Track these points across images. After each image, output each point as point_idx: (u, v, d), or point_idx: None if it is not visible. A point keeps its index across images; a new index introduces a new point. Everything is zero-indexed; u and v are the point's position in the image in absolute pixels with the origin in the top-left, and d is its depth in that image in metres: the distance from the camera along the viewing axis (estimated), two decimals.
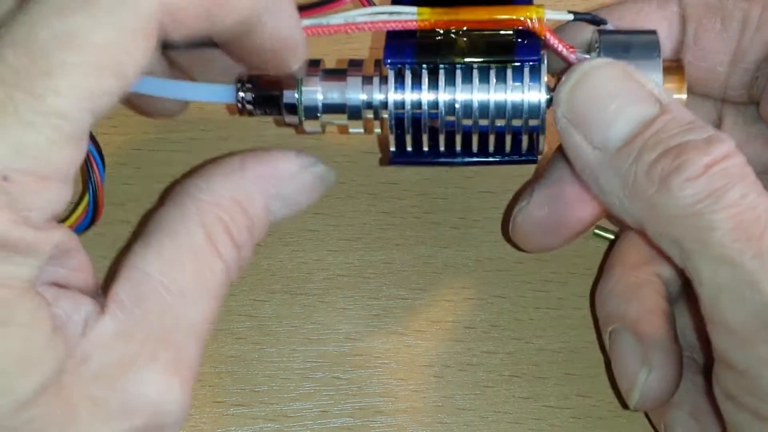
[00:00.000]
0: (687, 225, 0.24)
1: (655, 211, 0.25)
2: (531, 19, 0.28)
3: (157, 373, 0.24)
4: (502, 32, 0.29)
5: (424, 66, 0.28)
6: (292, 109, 0.29)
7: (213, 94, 0.30)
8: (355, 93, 0.29)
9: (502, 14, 0.28)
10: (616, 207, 0.26)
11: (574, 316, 0.34)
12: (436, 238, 0.36)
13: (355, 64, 0.30)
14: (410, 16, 0.28)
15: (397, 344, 0.34)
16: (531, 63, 0.28)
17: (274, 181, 0.28)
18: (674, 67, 0.29)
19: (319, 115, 0.30)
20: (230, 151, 0.37)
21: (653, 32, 0.29)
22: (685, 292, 0.31)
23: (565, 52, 0.28)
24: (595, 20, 0.29)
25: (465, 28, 0.29)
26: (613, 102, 0.26)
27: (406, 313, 0.35)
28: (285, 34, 0.26)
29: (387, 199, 0.36)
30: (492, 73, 0.28)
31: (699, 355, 0.31)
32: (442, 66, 0.28)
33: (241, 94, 0.30)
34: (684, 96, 0.28)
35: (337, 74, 0.29)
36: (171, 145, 0.37)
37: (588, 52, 0.29)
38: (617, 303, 0.31)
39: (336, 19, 0.29)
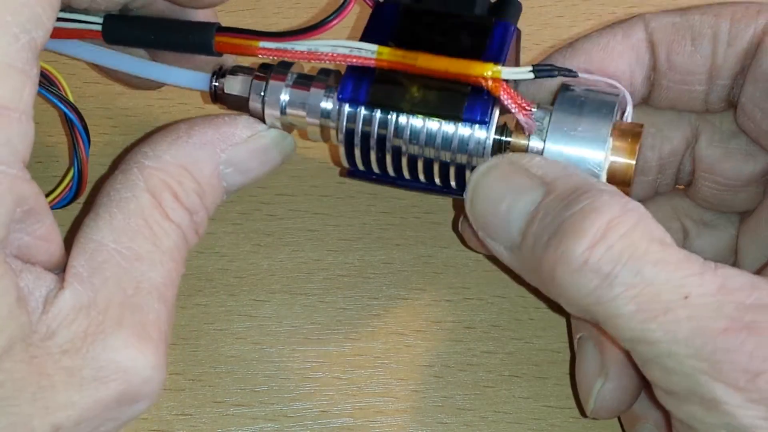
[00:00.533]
0: (594, 312, 0.24)
1: (564, 300, 0.25)
2: (486, 79, 0.27)
3: (125, 338, 0.24)
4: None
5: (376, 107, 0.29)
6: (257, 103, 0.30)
7: (190, 80, 0.31)
8: (316, 101, 0.30)
9: (459, 69, 0.28)
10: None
11: None
12: (436, 238, 0.36)
13: (325, 74, 0.30)
14: (370, 54, 0.29)
15: (397, 344, 0.34)
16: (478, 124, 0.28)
17: (222, 146, 0.28)
18: (629, 131, 0.28)
19: (279, 114, 0.30)
20: None
21: (616, 94, 0.28)
22: None
23: (519, 115, 0.28)
24: (561, 74, 0.28)
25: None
26: (502, 203, 0.26)
27: (406, 313, 0.35)
28: None
29: (387, 199, 0.36)
30: (441, 123, 0.28)
31: None
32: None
33: (216, 83, 0.30)
34: (633, 162, 0.28)
35: (305, 80, 0.30)
36: None
37: (552, 102, 0.29)
38: None
39: (300, 46, 0.29)
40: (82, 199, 0.34)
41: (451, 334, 0.35)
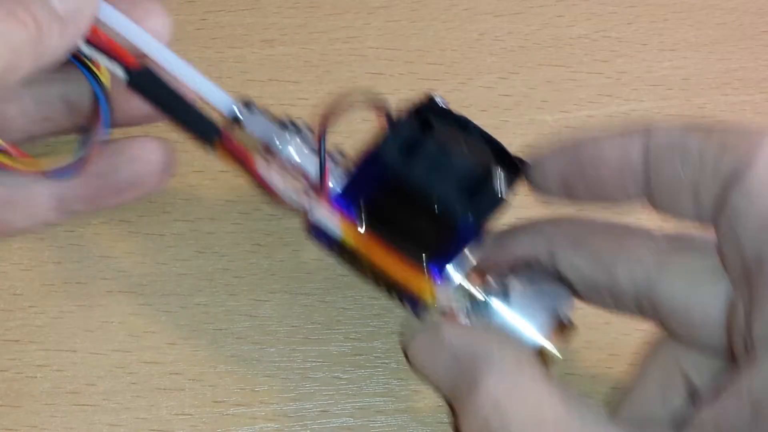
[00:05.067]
0: None
1: None
2: (422, 296, 0.30)
3: None
4: None
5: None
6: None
7: (214, 95, 0.31)
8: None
9: (403, 280, 0.30)
10: None
11: (574, 316, 0.34)
12: None
13: (342, 155, 0.31)
14: (336, 232, 0.30)
15: (397, 344, 0.34)
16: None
17: None
18: (561, 326, 0.30)
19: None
20: None
21: (565, 290, 0.31)
22: None
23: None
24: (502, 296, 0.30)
25: None
26: (430, 374, 0.29)
27: (407, 313, 0.35)
28: None
29: None
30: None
31: None
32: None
33: (238, 113, 0.31)
34: (558, 354, 0.30)
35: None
36: (171, 144, 0.37)
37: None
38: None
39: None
40: None
41: None
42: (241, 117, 0.31)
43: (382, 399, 0.33)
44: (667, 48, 0.42)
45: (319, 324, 0.35)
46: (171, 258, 0.35)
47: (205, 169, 0.37)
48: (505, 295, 0.30)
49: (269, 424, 0.33)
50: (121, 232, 0.35)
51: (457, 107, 0.31)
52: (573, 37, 0.41)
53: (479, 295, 0.30)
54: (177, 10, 0.41)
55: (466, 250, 0.30)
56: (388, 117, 0.30)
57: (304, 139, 0.31)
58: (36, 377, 0.33)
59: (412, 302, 0.31)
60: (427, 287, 0.30)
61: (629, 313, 0.31)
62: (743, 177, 0.26)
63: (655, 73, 0.41)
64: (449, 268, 0.30)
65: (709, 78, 0.41)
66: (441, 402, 0.33)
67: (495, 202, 0.29)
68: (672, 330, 0.30)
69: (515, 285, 0.30)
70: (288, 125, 0.31)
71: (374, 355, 0.34)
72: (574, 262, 0.31)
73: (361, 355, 0.34)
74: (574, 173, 0.29)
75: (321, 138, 0.30)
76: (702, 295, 0.28)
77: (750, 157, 0.26)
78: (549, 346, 0.30)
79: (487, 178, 0.29)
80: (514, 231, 0.32)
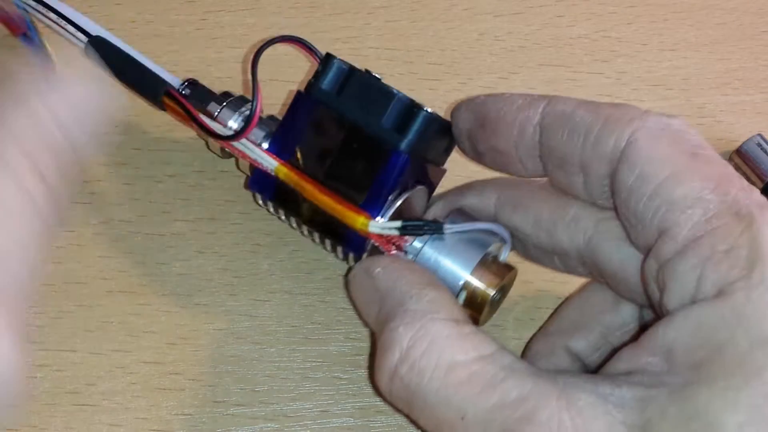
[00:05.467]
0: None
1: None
2: (357, 227, 0.30)
3: None
4: None
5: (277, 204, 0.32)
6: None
7: (166, 75, 0.33)
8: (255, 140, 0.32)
9: (336, 212, 0.30)
10: None
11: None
12: None
13: (271, 118, 0.33)
14: (270, 166, 0.31)
15: None
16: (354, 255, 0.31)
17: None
18: (495, 265, 0.31)
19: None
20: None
21: (503, 230, 0.31)
22: None
23: (391, 249, 0.31)
24: (427, 232, 0.30)
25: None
26: (362, 310, 0.30)
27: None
28: None
29: None
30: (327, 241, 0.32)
31: None
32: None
33: (186, 88, 0.34)
34: (491, 292, 0.30)
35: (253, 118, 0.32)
36: (171, 144, 0.37)
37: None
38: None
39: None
40: None
41: None
42: (184, 93, 0.34)
43: (382, 399, 0.33)
44: (667, 48, 0.42)
45: (319, 324, 0.35)
46: (171, 258, 0.35)
47: (205, 169, 0.37)
48: (438, 234, 0.30)
49: (269, 424, 0.33)
50: (121, 232, 0.35)
51: None
52: (573, 37, 0.42)
53: (411, 233, 0.30)
54: (177, 10, 0.41)
55: (394, 195, 0.30)
56: (320, 58, 0.32)
57: (240, 110, 0.33)
58: (36, 377, 0.33)
59: (353, 245, 0.31)
60: (361, 221, 0.30)
61: (579, 274, 0.31)
62: (627, 154, 0.26)
63: (655, 73, 0.41)
64: (384, 204, 0.30)
65: (709, 78, 0.41)
66: None
67: (423, 136, 0.30)
68: (616, 289, 0.30)
69: (448, 225, 0.31)
70: (226, 97, 0.33)
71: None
72: (514, 223, 0.31)
73: (361, 355, 0.34)
74: (476, 128, 0.30)
75: (253, 63, 0.31)
76: (635, 254, 0.28)
77: (631, 133, 0.26)
78: (476, 282, 0.30)
79: (415, 115, 0.30)
80: (457, 190, 0.33)
